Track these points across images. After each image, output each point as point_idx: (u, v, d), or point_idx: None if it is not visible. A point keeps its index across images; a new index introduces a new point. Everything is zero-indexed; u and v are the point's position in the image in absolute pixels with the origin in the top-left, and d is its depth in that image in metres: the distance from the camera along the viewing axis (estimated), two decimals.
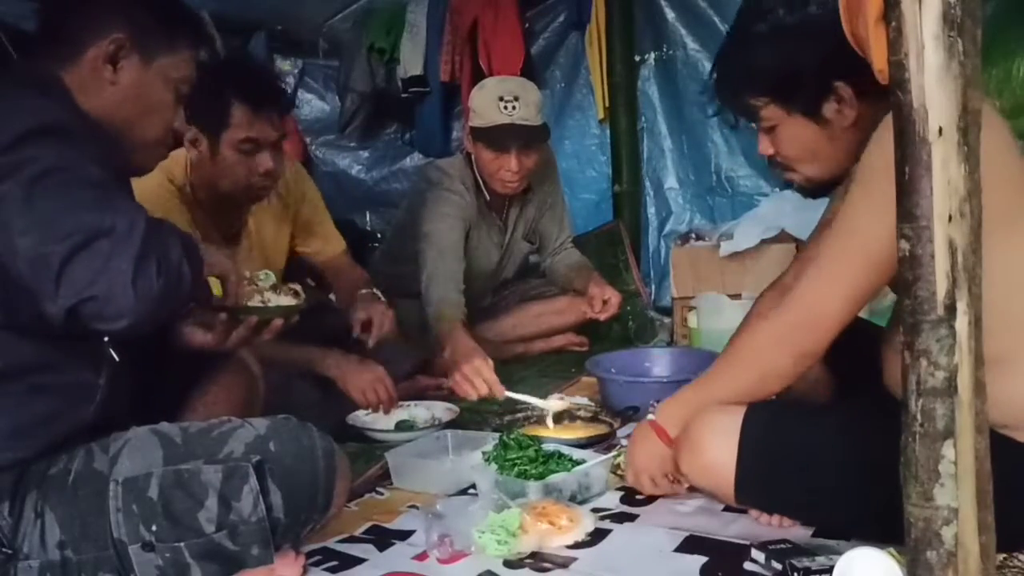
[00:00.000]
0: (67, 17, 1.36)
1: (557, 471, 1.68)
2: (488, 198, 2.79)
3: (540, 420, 2.11)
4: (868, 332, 1.62)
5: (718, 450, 1.43)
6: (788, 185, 2.09)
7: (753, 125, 1.52)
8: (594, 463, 1.70)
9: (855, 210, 1.28)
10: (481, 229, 2.83)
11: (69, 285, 1.11)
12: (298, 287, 1.58)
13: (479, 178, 2.74)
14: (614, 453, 1.79)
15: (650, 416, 1.59)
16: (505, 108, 2.57)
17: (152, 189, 1.95)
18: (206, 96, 1.90)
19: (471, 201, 2.73)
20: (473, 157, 2.72)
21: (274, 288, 1.54)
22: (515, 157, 2.60)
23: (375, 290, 2.38)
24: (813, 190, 1.54)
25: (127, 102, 1.36)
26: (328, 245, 2.46)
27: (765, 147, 1.51)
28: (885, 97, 1.27)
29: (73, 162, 1.17)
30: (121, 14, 1.35)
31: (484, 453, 1.78)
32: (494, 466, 1.71)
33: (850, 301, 1.32)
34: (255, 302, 1.49)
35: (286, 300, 1.53)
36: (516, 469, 1.68)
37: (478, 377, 2.12)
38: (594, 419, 2.11)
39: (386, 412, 2.19)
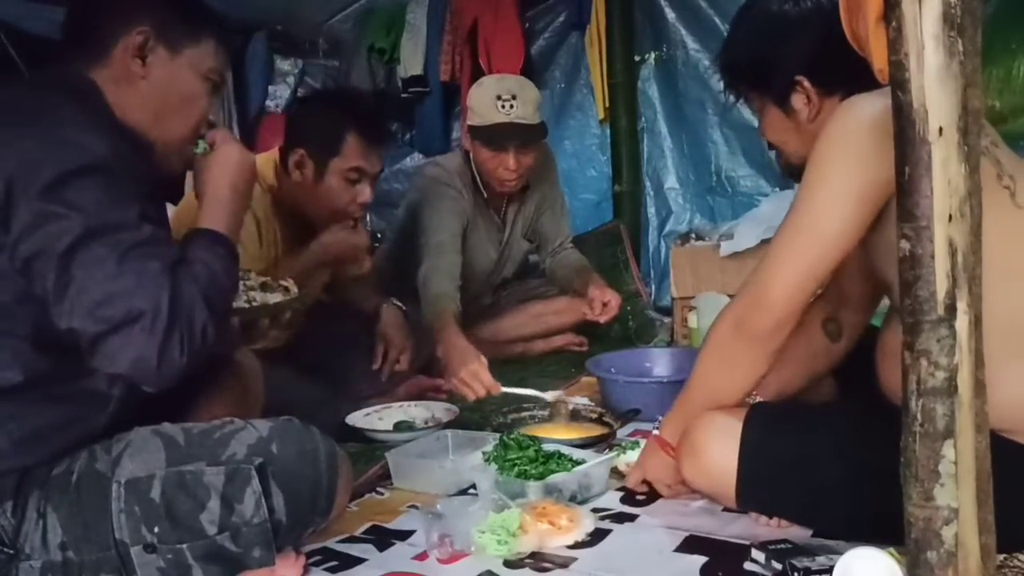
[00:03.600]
0: (91, 15, 1.36)
1: (557, 471, 1.68)
2: (486, 196, 2.79)
3: (542, 420, 2.11)
4: (868, 335, 1.62)
5: (719, 454, 1.43)
6: (788, 185, 2.10)
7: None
8: (594, 463, 1.70)
9: (804, 192, 1.32)
10: (479, 227, 2.83)
11: (102, 359, 1.18)
12: (288, 282, 1.55)
13: (477, 176, 2.74)
14: (613, 453, 1.79)
15: (655, 431, 1.61)
16: (503, 107, 2.56)
17: None
18: (321, 122, 2.07)
19: (468, 198, 2.74)
20: (471, 155, 2.72)
21: (263, 287, 1.52)
22: (513, 156, 2.60)
23: (397, 303, 2.47)
24: (793, 174, 1.58)
25: (159, 95, 1.36)
26: None
27: (761, 129, 1.59)
28: (848, 95, 1.32)
29: (110, 218, 1.18)
30: (143, 7, 1.35)
31: (484, 453, 1.78)
32: (494, 466, 1.71)
33: (796, 280, 1.32)
34: (240, 303, 1.47)
35: (273, 297, 1.51)
36: (516, 469, 1.68)
37: (476, 380, 2.12)
38: (595, 419, 2.11)
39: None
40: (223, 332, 1.35)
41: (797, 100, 1.45)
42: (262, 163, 2.19)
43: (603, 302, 2.65)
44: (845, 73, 1.32)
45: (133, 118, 1.34)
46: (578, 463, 1.71)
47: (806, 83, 1.42)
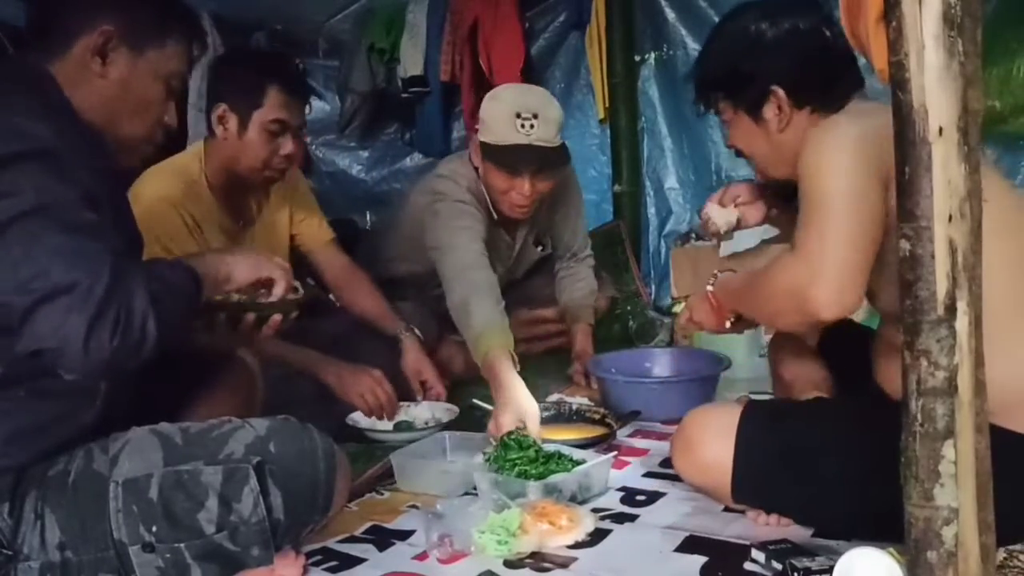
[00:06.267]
0: (57, 10, 1.36)
1: (557, 471, 1.67)
2: (496, 217, 2.53)
3: (543, 421, 2.09)
4: (865, 335, 1.63)
5: (714, 450, 1.45)
6: None
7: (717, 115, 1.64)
8: (594, 463, 1.70)
9: (809, 184, 1.34)
10: (490, 245, 2.55)
11: (29, 334, 1.13)
12: (297, 283, 1.59)
13: (487, 195, 2.49)
14: (678, 305, 1.84)
15: (709, 288, 1.68)
16: (522, 127, 2.29)
17: (165, 194, 2.04)
18: (242, 76, 2.08)
19: (483, 216, 2.46)
20: (481, 172, 2.45)
21: None
22: (528, 181, 2.35)
23: (415, 330, 2.38)
24: (767, 180, 1.67)
25: (116, 96, 1.35)
26: (318, 232, 2.46)
27: (728, 137, 1.63)
28: (821, 110, 1.42)
29: (52, 199, 1.16)
30: (112, 7, 1.34)
31: (485, 453, 1.77)
32: (495, 466, 1.71)
33: (840, 246, 1.28)
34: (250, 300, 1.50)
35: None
36: (516, 469, 1.68)
37: (507, 427, 1.84)
38: (596, 420, 2.10)
39: (389, 417, 2.19)
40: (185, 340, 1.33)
41: (768, 110, 1.50)
42: (186, 155, 2.20)
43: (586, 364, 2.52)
44: (816, 89, 1.45)
45: (87, 113, 1.33)
46: (578, 463, 1.71)
47: (780, 93, 1.47)
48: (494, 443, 1.79)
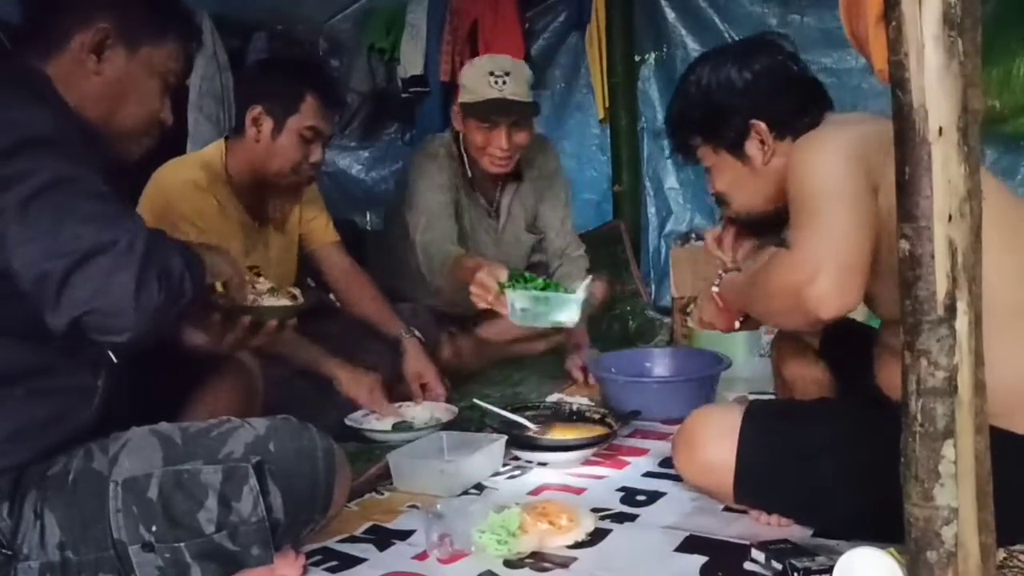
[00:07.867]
0: (53, 7, 1.36)
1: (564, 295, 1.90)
2: (471, 176, 2.71)
3: (544, 420, 2.10)
4: (867, 334, 1.63)
5: (717, 450, 1.44)
6: None
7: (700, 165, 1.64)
8: (587, 281, 2.01)
9: (799, 191, 1.35)
10: (471, 214, 2.74)
11: (69, 300, 1.13)
12: (296, 291, 1.59)
13: (465, 156, 2.67)
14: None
15: (714, 289, 1.69)
16: (495, 83, 2.52)
17: (192, 178, 2.09)
18: (281, 81, 2.13)
19: (456, 173, 2.67)
20: (462, 136, 2.65)
21: (272, 291, 1.55)
22: (505, 133, 2.53)
23: (415, 332, 2.43)
24: (749, 225, 1.66)
25: (110, 93, 1.35)
26: (324, 233, 2.48)
27: (710, 185, 1.64)
28: (801, 135, 1.42)
29: (72, 173, 1.17)
30: (108, 5, 1.35)
31: (500, 284, 1.90)
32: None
33: (835, 242, 1.28)
34: (249, 303, 1.50)
35: (282, 301, 1.54)
36: (533, 294, 1.87)
37: (491, 281, 1.97)
38: (596, 420, 2.09)
39: (380, 415, 2.21)
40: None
41: (752, 145, 1.51)
42: (208, 152, 2.24)
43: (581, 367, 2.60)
44: (793, 117, 1.47)
45: (83, 110, 1.32)
46: (571, 291, 1.93)
47: (761, 126, 1.49)
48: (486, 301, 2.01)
